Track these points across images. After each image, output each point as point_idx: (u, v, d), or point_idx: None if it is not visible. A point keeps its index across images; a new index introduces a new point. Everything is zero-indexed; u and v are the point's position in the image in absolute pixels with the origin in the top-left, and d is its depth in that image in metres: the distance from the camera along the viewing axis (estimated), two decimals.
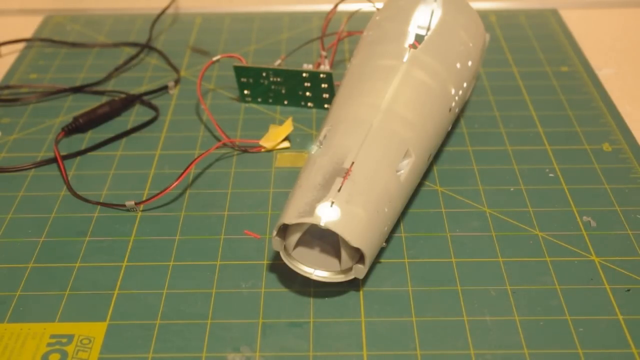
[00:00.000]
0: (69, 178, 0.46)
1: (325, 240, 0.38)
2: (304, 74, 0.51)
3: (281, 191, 0.45)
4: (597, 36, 0.63)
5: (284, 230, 0.37)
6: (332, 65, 0.54)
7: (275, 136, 0.48)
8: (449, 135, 0.49)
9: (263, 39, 0.63)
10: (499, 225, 0.42)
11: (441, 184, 0.45)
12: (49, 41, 0.62)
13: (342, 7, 0.54)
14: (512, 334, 0.35)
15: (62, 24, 0.66)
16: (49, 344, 0.35)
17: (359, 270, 0.37)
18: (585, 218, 0.42)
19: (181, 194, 0.45)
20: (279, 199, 0.44)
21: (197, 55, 0.60)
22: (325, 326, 0.36)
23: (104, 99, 0.54)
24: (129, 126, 0.51)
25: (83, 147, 0.49)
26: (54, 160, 0.47)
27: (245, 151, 0.48)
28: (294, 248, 0.38)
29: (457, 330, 0.36)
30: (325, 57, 0.53)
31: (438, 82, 0.43)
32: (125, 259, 0.40)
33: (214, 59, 0.51)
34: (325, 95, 0.52)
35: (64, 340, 0.36)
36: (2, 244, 0.41)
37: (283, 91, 0.52)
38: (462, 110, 0.52)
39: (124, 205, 0.43)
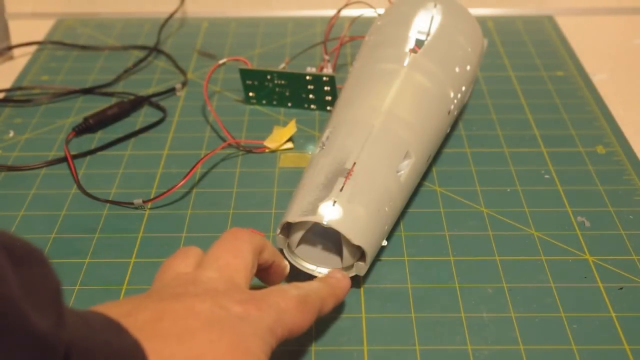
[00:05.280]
0: (79, 177, 0.47)
1: (327, 238, 0.38)
2: (308, 77, 0.52)
3: (285, 190, 0.45)
4: (591, 42, 0.63)
5: (288, 229, 0.38)
6: (334, 69, 0.54)
7: (279, 137, 0.49)
8: (447, 137, 0.49)
9: (268, 43, 0.63)
10: (496, 225, 0.42)
11: (440, 184, 0.46)
12: (60, 44, 0.63)
13: (344, 13, 0.55)
14: (508, 330, 0.36)
15: (73, 28, 0.67)
16: None
17: (360, 268, 0.37)
18: (579, 218, 0.43)
19: (188, 193, 0.45)
20: (283, 198, 0.44)
21: (204, 58, 0.61)
22: (327, 322, 0.37)
23: (114, 100, 0.55)
24: (138, 127, 0.52)
25: (93, 146, 0.50)
26: (64, 159, 0.48)
27: (250, 151, 0.49)
28: (297, 246, 0.38)
29: (455, 326, 0.36)
30: (328, 60, 0.54)
31: (437, 86, 0.44)
32: (134, 255, 0.41)
33: (220, 62, 0.51)
34: (328, 98, 0.52)
35: None
36: None
37: (287, 93, 0.53)
38: (461, 113, 0.52)
39: (132, 203, 0.44)
